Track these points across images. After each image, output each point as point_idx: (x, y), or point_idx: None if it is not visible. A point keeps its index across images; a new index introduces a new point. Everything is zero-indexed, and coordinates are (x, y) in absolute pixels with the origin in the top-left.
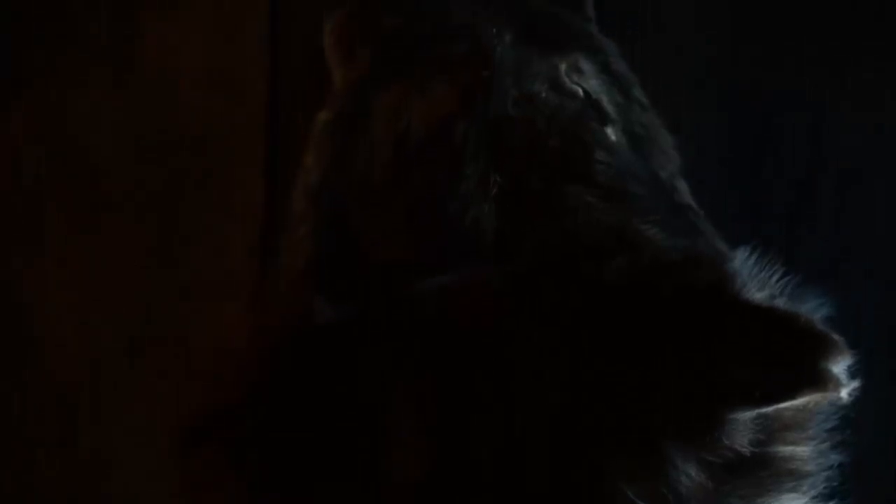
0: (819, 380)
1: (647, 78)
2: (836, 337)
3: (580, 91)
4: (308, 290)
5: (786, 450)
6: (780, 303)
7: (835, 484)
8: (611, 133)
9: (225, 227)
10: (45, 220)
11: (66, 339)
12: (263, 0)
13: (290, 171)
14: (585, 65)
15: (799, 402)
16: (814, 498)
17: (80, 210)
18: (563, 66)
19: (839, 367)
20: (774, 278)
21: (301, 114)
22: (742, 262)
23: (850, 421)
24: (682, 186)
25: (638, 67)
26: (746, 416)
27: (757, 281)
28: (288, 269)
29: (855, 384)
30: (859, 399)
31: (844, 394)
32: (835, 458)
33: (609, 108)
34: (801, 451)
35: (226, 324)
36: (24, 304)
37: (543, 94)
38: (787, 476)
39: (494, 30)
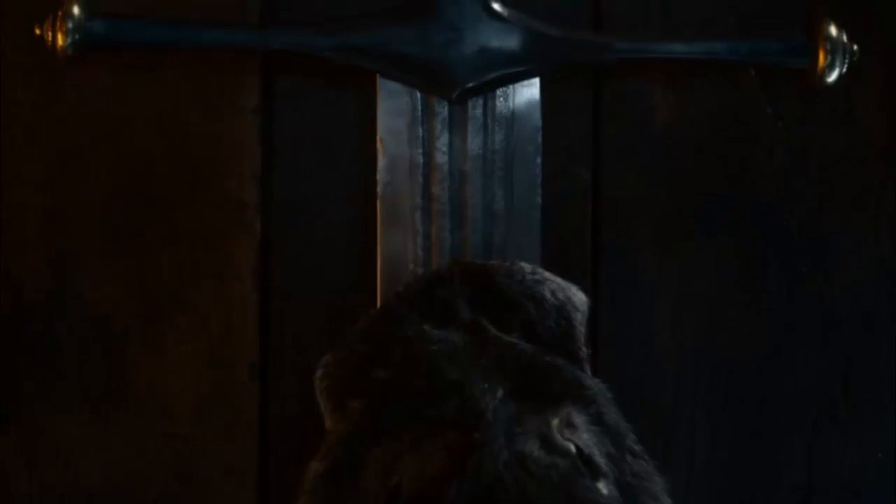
0: None
1: (645, 411)
2: None
3: (572, 447)
4: None
5: None
6: None
7: None
8: (602, 487)
9: None
10: None
11: None
12: (253, 326)
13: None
14: (577, 418)
15: None
16: None
17: None
18: (555, 422)
19: None
20: None
21: (292, 448)
22: None
23: None
24: None
25: (633, 397)
26: None
27: None
28: None
29: None
30: None
31: None
32: None
33: (601, 461)
34: None
35: None
36: None
37: (535, 454)
38: None
39: (486, 385)
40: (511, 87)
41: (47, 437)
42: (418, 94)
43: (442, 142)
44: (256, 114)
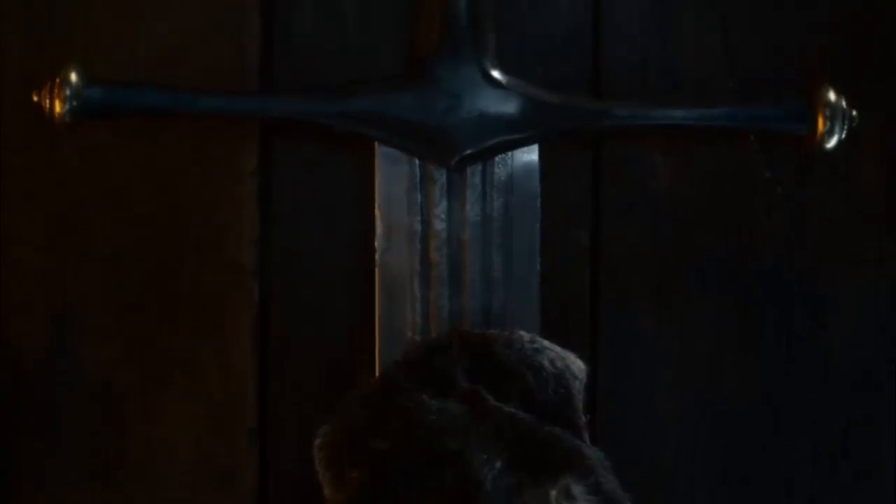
0: None
1: (645, 472)
2: None
3: None
4: None
5: None
6: None
7: None
8: None
9: None
10: None
11: None
12: (252, 391)
13: None
14: (576, 488)
15: None
16: None
17: None
18: (553, 493)
19: None
20: None
21: None
22: None
23: None
24: None
25: (633, 458)
26: None
27: None
28: None
29: None
30: None
31: None
32: None
33: None
34: None
35: None
36: None
37: None
38: None
39: (485, 455)
40: (510, 152)
41: (46, 502)
42: (417, 161)
43: (440, 209)
44: (255, 177)
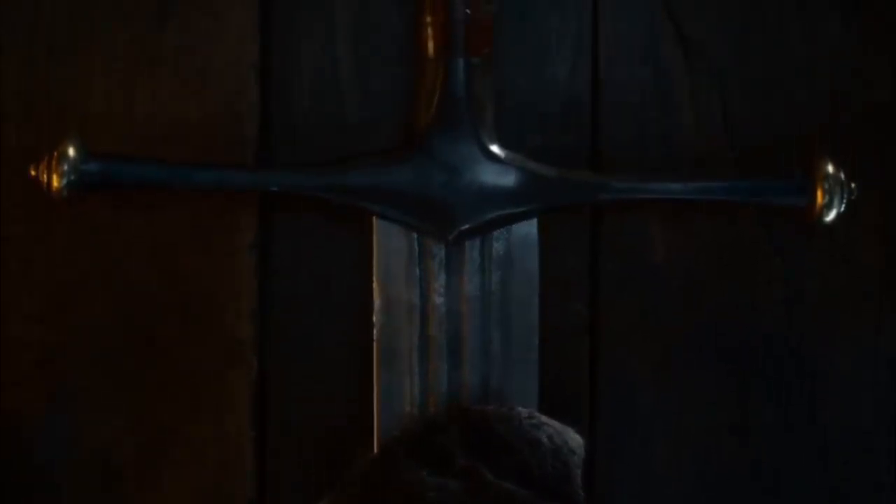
0: None
1: None
2: None
3: None
4: None
5: None
6: None
7: None
8: None
9: None
10: None
11: None
12: (251, 463)
13: None
14: None
15: None
16: None
17: None
18: None
19: None
20: None
21: None
22: None
23: None
24: None
25: None
26: None
27: None
28: None
29: None
30: None
31: None
32: None
33: None
34: None
35: None
36: None
37: None
38: None
39: None
40: (508, 226)
41: None
42: (415, 235)
43: (439, 283)
44: (254, 251)
